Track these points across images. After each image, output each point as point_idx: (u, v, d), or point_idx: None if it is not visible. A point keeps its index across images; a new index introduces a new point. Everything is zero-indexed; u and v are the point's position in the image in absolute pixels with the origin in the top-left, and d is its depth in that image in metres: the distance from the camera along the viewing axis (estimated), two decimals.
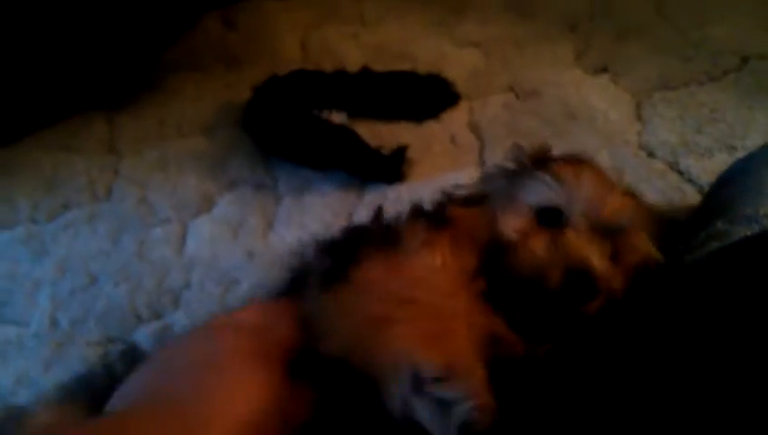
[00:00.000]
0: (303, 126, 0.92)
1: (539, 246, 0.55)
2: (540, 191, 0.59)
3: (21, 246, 0.88)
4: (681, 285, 0.56)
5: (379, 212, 0.63)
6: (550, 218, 0.57)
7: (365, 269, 0.50)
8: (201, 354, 0.50)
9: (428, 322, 0.45)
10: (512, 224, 0.58)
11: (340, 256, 0.54)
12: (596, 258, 0.53)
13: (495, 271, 0.55)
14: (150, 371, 0.52)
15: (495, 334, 0.51)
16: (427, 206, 0.65)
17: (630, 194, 0.61)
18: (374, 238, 0.56)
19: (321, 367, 0.48)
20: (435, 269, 0.53)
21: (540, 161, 0.65)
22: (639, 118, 0.95)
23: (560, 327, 0.53)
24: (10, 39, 0.92)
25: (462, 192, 0.69)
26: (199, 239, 0.87)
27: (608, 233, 0.56)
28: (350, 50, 1.14)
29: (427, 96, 1.00)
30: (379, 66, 1.04)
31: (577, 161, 0.62)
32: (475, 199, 0.65)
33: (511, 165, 0.67)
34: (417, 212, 0.63)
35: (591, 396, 0.47)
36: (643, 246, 0.57)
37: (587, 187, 0.57)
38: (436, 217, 0.61)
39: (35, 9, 0.90)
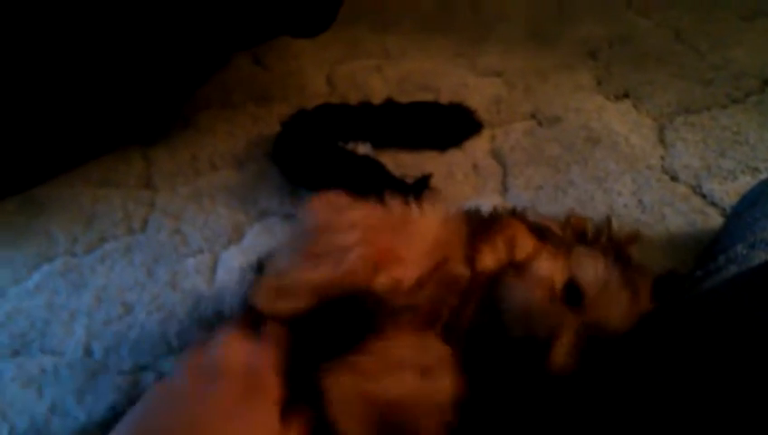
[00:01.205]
0: (330, 158, 0.95)
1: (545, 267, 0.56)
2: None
3: (59, 277, 0.92)
4: (696, 313, 0.56)
5: None
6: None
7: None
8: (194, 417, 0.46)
9: None
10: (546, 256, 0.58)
11: None
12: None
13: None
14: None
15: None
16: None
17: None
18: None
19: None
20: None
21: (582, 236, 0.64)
22: (662, 142, 0.95)
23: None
24: (50, 78, 0.97)
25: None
26: (229, 269, 0.90)
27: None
28: (374, 83, 1.17)
29: (450, 125, 1.02)
30: (402, 97, 1.07)
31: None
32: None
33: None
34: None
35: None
36: None
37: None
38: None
39: (76, 53, 0.95)
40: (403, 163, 0.99)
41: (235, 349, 0.51)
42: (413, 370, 0.49)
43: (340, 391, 0.47)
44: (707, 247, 0.76)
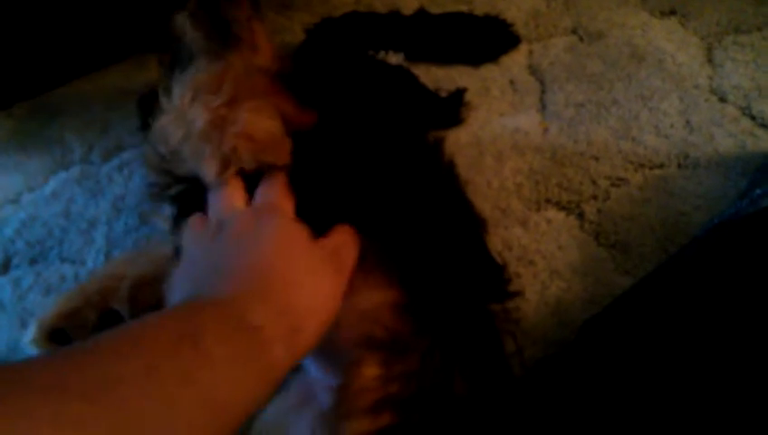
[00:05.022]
0: (360, 67, 0.90)
1: None
2: None
3: (76, 185, 0.88)
4: (758, 230, 0.54)
5: None
6: None
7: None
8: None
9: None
10: None
11: None
12: None
13: None
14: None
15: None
16: None
17: None
18: None
19: None
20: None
21: None
22: (710, 62, 0.90)
23: None
24: None
25: None
26: None
27: None
28: None
29: (486, 39, 0.96)
30: (434, 9, 1.01)
31: None
32: None
33: None
34: None
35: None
36: None
37: None
38: None
39: None
40: (436, 77, 0.94)
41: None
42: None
43: None
44: (763, 167, 0.73)
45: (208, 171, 0.53)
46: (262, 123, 0.53)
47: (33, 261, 0.81)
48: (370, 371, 0.46)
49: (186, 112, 0.53)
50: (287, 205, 0.52)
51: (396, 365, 0.47)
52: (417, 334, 0.49)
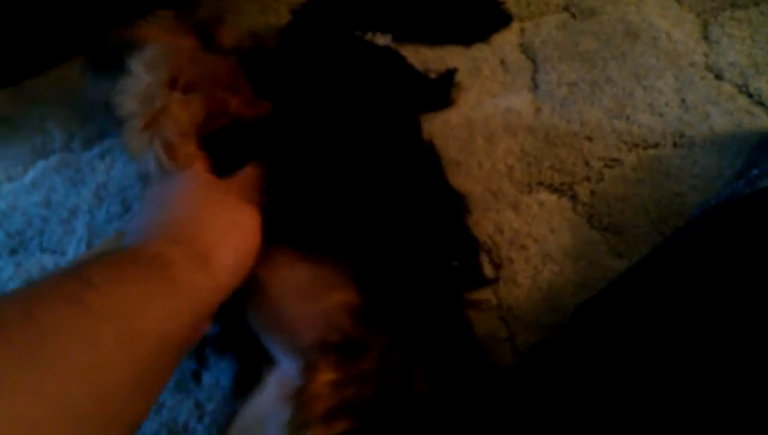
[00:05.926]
0: (347, 49, 0.87)
1: None
2: None
3: (56, 174, 0.86)
4: (756, 210, 0.52)
5: None
6: None
7: None
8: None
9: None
10: None
11: None
12: None
13: None
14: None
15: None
16: None
17: None
18: None
19: None
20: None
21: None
22: (706, 38, 0.88)
23: None
24: None
25: None
26: None
27: None
28: None
29: (476, 17, 0.93)
30: None
31: None
32: None
33: None
34: None
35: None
36: None
37: None
38: None
39: None
40: (425, 58, 0.91)
41: None
42: None
43: None
44: (760, 146, 0.71)
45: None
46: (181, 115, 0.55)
47: (13, 252, 0.79)
48: (323, 376, 0.46)
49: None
50: (200, 165, 0.55)
51: (350, 368, 0.46)
52: (374, 333, 0.48)
